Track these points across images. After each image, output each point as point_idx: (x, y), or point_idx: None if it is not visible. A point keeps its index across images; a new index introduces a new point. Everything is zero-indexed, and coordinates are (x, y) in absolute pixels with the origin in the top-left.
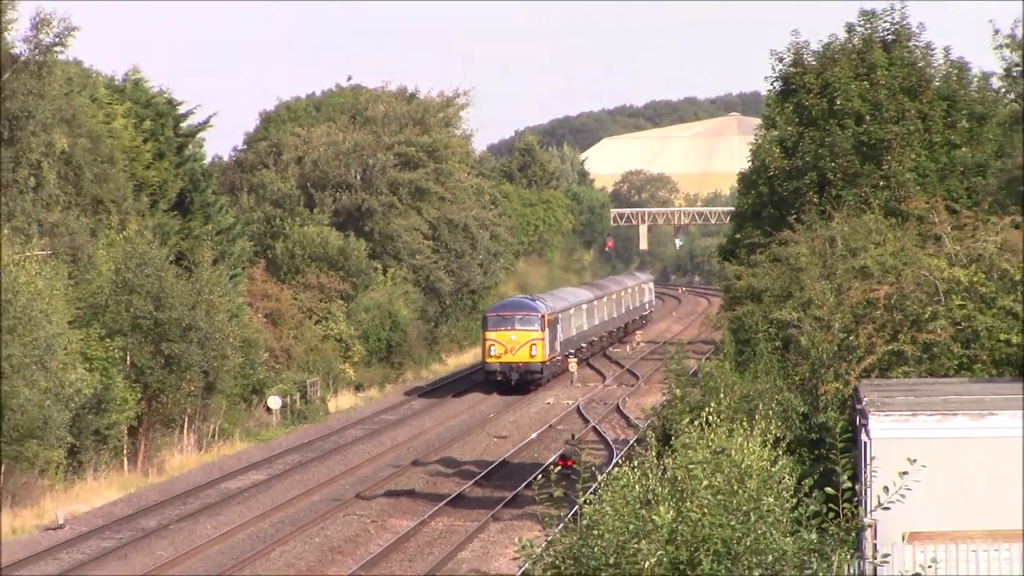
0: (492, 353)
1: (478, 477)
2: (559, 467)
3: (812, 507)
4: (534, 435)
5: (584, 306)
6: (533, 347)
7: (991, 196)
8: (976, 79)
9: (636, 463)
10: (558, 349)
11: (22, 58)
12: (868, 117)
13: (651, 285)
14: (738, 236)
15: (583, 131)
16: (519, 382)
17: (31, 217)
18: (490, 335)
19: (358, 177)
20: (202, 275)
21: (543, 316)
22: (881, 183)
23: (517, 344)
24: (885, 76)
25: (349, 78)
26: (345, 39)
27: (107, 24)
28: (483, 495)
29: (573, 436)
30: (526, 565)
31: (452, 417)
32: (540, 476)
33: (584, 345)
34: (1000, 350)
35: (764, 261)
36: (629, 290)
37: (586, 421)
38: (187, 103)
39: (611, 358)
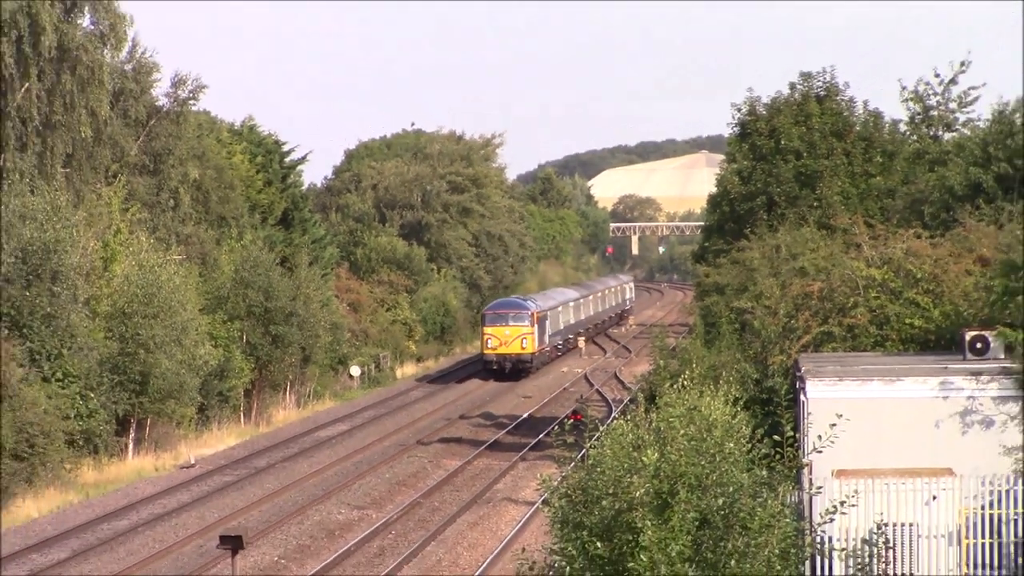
0: (489, 345)
1: (509, 427)
2: (571, 420)
3: (763, 450)
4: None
5: (571, 304)
6: (524, 340)
7: (898, 214)
8: (887, 124)
9: (629, 417)
10: (546, 341)
11: (164, 109)
12: (805, 154)
13: (631, 284)
14: (707, 244)
15: (589, 164)
16: (512, 370)
17: (170, 230)
18: (487, 330)
19: (419, 199)
20: (300, 274)
21: (533, 314)
22: (815, 204)
23: (510, 338)
24: (818, 122)
25: (412, 123)
26: (408, 91)
27: (229, 79)
28: (513, 441)
29: (581, 396)
30: (546, 494)
31: (489, 382)
32: (556, 427)
33: (571, 336)
34: (906, 331)
35: (726, 263)
36: (612, 289)
37: (591, 385)
38: (289, 143)
39: (611, 337)
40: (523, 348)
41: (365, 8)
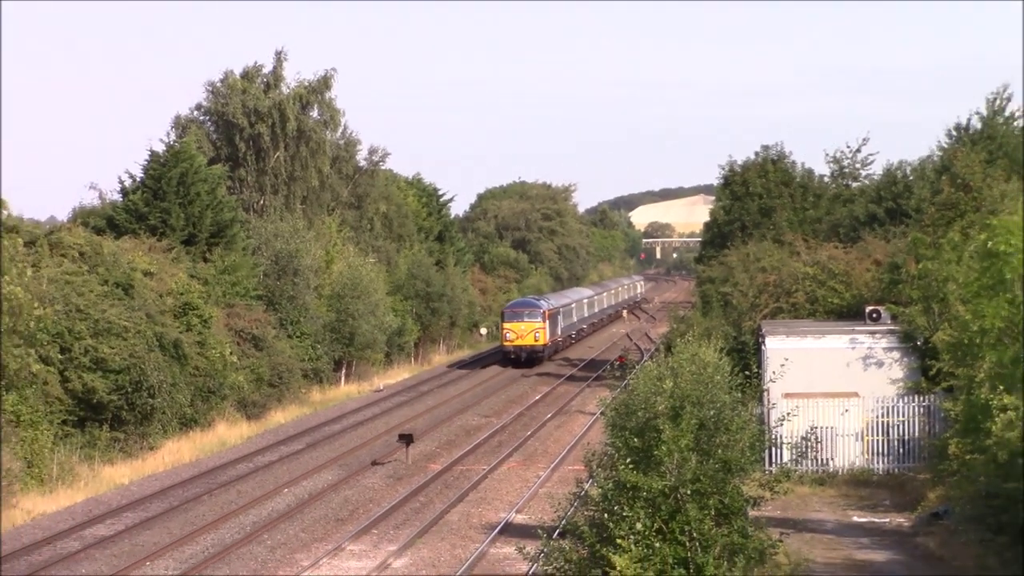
0: (507, 338)
1: (580, 366)
2: (618, 362)
3: (738, 381)
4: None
5: (585, 301)
6: (536, 334)
7: (823, 233)
8: (817, 177)
9: (655, 359)
10: (559, 334)
11: (364, 168)
12: (764, 195)
13: (642, 281)
14: (704, 252)
15: (629, 202)
16: (527, 359)
17: (367, 244)
18: (506, 325)
19: (523, 224)
20: (448, 271)
21: (544, 311)
22: (771, 227)
23: (525, 332)
24: (773, 176)
25: (519, 177)
26: (517, 153)
27: (405, 142)
28: (582, 375)
29: (625, 347)
30: (602, 408)
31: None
32: (609, 366)
33: (585, 327)
34: (828, 306)
35: (716, 264)
36: (625, 286)
37: (631, 340)
38: (442, 188)
39: (644, 310)
40: (536, 340)
41: (488, 92)
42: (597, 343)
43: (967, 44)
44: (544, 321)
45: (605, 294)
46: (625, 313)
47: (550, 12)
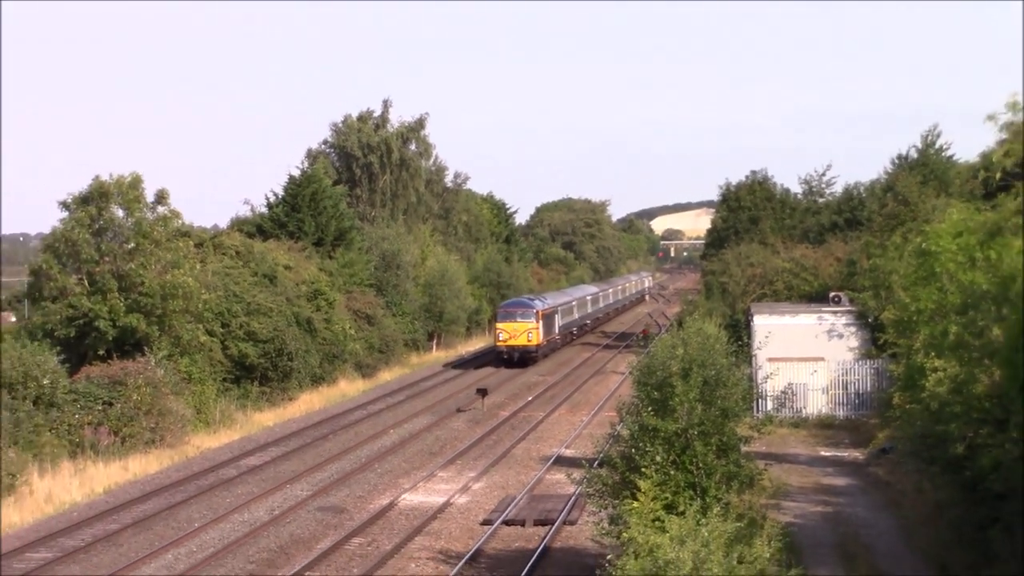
0: (500, 338)
1: (613, 337)
2: (642, 334)
3: (733, 348)
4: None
5: (588, 298)
6: (529, 334)
7: (797, 237)
8: (793, 194)
9: (670, 332)
10: (555, 333)
11: (450, 188)
12: (752, 208)
13: (650, 276)
14: (706, 251)
15: (650, 214)
16: (519, 359)
17: (452, 245)
18: (500, 325)
19: (570, 231)
20: (514, 266)
21: (538, 312)
22: (758, 233)
23: (518, 332)
24: (759, 193)
25: (567, 194)
26: (566, 174)
27: (482, 165)
28: (615, 344)
29: (647, 323)
30: (631, 369)
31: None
32: (636, 337)
33: (589, 323)
34: (801, 292)
35: (716, 260)
36: (632, 282)
37: (651, 318)
38: (509, 202)
39: (661, 295)
40: (528, 341)
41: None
42: (629, 318)
43: (907, 93)
44: (537, 321)
45: (611, 290)
46: (648, 298)
47: (590, 67)
